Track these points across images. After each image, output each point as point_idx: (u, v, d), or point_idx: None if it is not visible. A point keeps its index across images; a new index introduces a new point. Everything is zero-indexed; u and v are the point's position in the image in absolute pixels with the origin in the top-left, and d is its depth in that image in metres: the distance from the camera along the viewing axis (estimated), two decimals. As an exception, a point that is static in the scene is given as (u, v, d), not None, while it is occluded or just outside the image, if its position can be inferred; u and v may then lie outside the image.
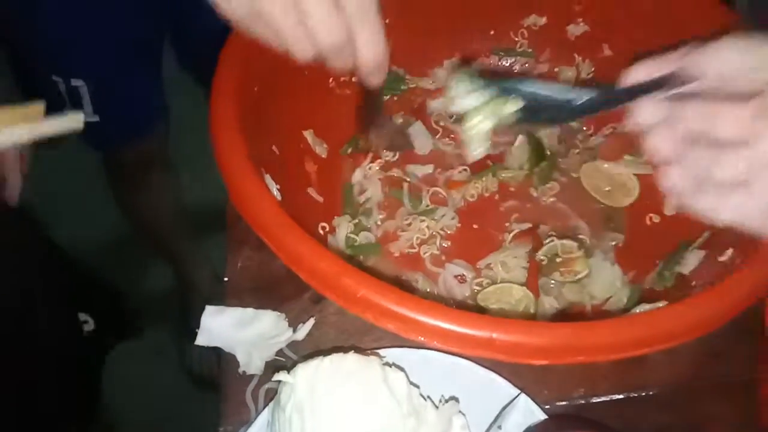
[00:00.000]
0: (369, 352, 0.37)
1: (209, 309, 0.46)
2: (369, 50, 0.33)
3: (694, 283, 0.42)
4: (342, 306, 0.33)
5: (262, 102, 0.46)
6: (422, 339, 0.32)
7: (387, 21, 0.34)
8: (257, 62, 0.45)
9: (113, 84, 0.76)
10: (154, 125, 0.90)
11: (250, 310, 0.46)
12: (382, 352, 0.37)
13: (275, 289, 0.49)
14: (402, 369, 0.36)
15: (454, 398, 0.37)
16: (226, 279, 0.50)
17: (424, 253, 0.50)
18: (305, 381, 0.34)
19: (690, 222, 0.47)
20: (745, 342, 0.44)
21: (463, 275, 0.48)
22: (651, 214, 0.51)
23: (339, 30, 0.32)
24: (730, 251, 0.39)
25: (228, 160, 0.38)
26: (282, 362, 0.44)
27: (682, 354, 0.47)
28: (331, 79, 0.54)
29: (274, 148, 0.48)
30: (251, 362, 0.44)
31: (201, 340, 0.44)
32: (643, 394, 0.45)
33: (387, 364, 0.36)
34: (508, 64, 0.59)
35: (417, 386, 0.37)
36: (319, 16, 0.31)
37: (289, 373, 0.35)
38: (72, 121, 0.33)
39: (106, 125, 0.79)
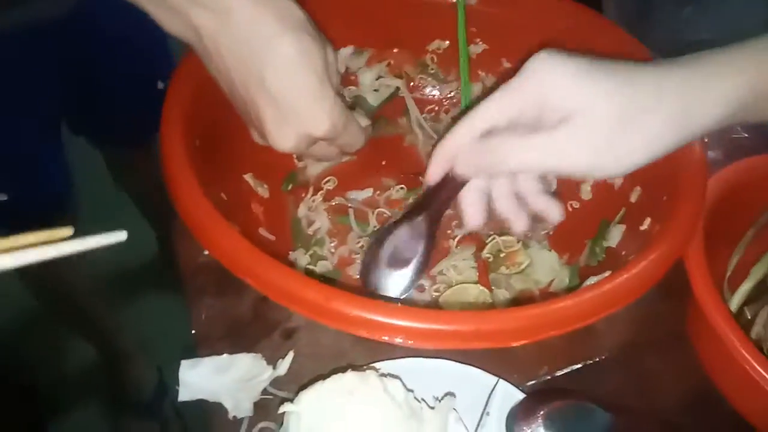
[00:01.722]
0: (364, 367, 0.39)
1: (185, 363, 0.46)
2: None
3: (623, 252, 0.48)
4: (335, 327, 0.35)
5: (206, 154, 0.47)
6: (411, 343, 0.35)
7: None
8: (197, 117, 0.46)
9: (21, 162, 0.73)
10: (65, 201, 0.86)
11: (225, 357, 0.46)
12: (375, 366, 0.40)
13: (244, 332, 0.50)
14: (397, 377, 0.38)
15: (450, 394, 0.40)
16: (193, 331, 0.50)
17: (382, 271, 0.53)
18: (310, 406, 0.35)
19: (605, 203, 0.54)
20: (672, 301, 0.51)
21: (422, 285, 0.52)
22: (571, 202, 0.57)
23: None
24: (648, 220, 0.46)
25: (198, 216, 0.39)
26: (269, 400, 0.45)
27: (621, 320, 0.53)
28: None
29: (222, 195, 0.49)
30: (240, 406, 0.44)
31: (184, 395, 0.44)
32: (597, 359, 0.50)
33: (382, 375, 0.38)
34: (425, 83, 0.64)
35: (411, 391, 0.39)
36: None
37: (292, 402, 0.36)
38: (114, 237, 0.33)
39: (15, 206, 0.75)
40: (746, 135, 0.54)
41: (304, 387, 0.37)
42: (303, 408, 0.35)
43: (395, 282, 0.44)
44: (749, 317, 0.47)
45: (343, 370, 0.37)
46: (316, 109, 0.41)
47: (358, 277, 0.53)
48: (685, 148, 0.46)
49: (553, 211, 0.43)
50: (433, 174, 0.43)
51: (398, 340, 0.34)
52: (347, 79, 0.61)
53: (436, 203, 0.44)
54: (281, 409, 0.36)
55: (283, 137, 0.42)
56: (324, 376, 0.37)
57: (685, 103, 0.35)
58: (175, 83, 0.46)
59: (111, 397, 1.19)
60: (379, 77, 0.62)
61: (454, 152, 0.41)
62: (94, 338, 1.17)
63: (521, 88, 0.38)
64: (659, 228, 0.43)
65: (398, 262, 0.44)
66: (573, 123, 0.35)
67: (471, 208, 0.44)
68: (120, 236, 0.36)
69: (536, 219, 0.44)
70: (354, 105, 0.60)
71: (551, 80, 0.36)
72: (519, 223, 0.44)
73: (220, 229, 0.38)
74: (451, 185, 0.43)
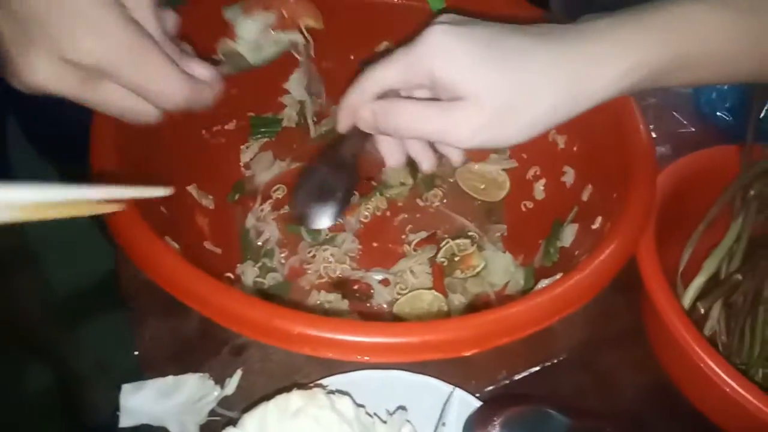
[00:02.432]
0: (311, 385, 0.37)
1: (126, 387, 0.43)
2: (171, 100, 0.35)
3: (576, 252, 0.48)
4: (279, 346, 0.33)
5: (141, 166, 0.45)
6: (359, 358, 0.33)
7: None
8: (131, 126, 0.44)
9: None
10: None
11: (170, 378, 0.44)
12: (323, 381, 0.38)
13: (192, 352, 0.48)
14: (346, 393, 0.37)
15: (402, 407, 0.39)
16: (136, 353, 0.48)
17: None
18: (255, 429, 0.34)
19: (558, 202, 0.54)
20: (627, 295, 0.50)
21: (387, 279, 0.51)
22: (525, 202, 0.56)
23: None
24: (599, 219, 0.45)
25: (128, 232, 0.37)
26: (217, 422, 0.43)
27: (578, 319, 0.52)
28: (203, 131, 0.54)
29: (162, 209, 0.47)
30: (185, 429, 0.42)
31: (125, 421, 0.42)
32: (555, 361, 0.49)
33: (330, 392, 0.36)
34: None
35: (362, 406, 0.38)
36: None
37: (235, 426, 0.34)
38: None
39: None
40: (693, 129, 0.54)
41: (248, 408, 0.35)
42: (246, 431, 0.33)
43: (325, 213, 0.45)
44: (702, 312, 0.47)
45: (289, 389, 0.36)
46: (73, 16, 0.29)
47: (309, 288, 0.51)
48: (635, 145, 0.45)
49: (453, 154, 0.43)
50: (342, 126, 0.43)
51: (344, 356, 0.33)
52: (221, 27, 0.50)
53: (352, 142, 0.44)
54: (224, 435, 0.34)
55: (29, 65, 0.29)
56: (269, 397, 0.35)
57: (573, 80, 0.35)
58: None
59: (68, 420, 1.15)
60: (267, 29, 0.51)
61: (355, 108, 0.41)
62: (50, 361, 1.13)
63: (414, 62, 0.37)
64: (610, 226, 0.42)
65: (325, 195, 0.45)
66: (462, 106, 0.36)
67: (386, 148, 0.44)
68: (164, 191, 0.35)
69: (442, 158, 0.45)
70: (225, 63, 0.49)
71: (443, 63, 0.36)
72: (425, 163, 0.44)
73: (153, 247, 0.36)
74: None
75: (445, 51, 0.36)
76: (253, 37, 0.49)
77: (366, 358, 0.32)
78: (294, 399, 0.35)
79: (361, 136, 0.44)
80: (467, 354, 0.34)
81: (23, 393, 1.22)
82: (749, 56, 0.36)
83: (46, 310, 1.03)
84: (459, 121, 0.36)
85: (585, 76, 0.35)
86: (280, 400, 0.35)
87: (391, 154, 0.44)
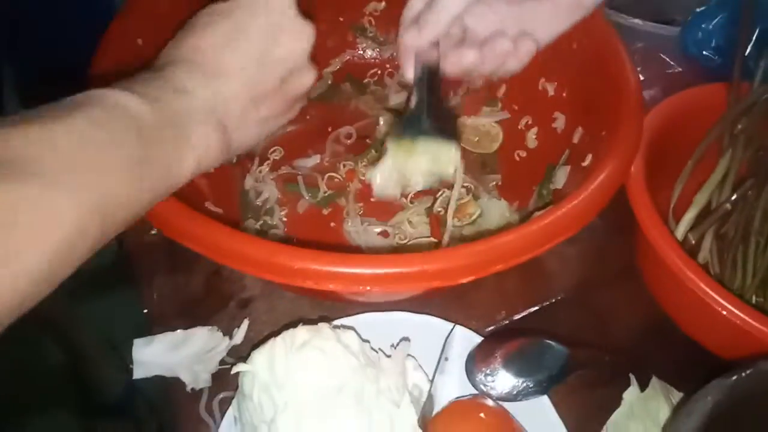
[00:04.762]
0: (317, 322, 0.38)
1: (138, 342, 0.45)
2: None
3: (569, 192, 0.48)
4: (281, 281, 0.35)
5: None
6: (363, 288, 0.34)
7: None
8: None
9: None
10: None
11: (179, 332, 0.46)
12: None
13: (199, 306, 0.49)
14: (351, 328, 0.38)
15: (405, 339, 0.40)
16: (145, 311, 0.49)
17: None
18: (264, 363, 0.35)
19: (550, 148, 0.55)
20: (621, 237, 0.52)
21: (386, 231, 0.52)
22: (518, 151, 0.57)
23: None
24: (590, 156, 0.46)
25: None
26: (228, 370, 0.45)
27: (574, 260, 0.54)
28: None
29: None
30: (198, 378, 0.44)
31: (138, 373, 0.44)
32: (553, 300, 0.51)
33: (336, 327, 0.38)
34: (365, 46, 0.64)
35: (367, 341, 0.39)
36: None
37: (246, 362, 0.36)
38: None
39: None
40: (680, 69, 0.55)
41: (256, 347, 0.36)
42: (256, 366, 0.35)
43: None
44: (693, 242, 0.48)
45: (295, 325, 0.37)
46: None
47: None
48: (622, 82, 0.46)
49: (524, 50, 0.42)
50: (409, 71, 0.43)
51: (345, 287, 0.34)
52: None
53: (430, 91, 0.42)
54: (234, 370, 0.36)
55: None
56: (276, 334, 0.37)
57: None
58: (98, 60, 0.44)
59: (81, 400, 1.16)
60: None
61: (422, 48, 0.42)
62: (61, 338, 1.14)
63: None
64: (598, 160, 0.43)
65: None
66: None
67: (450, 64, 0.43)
68: None
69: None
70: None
71: None
72: (488, 65, 0.43)
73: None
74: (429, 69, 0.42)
75: None
76: None
77: (367, 288, 0.34)
78: (300, 333, 0.36)
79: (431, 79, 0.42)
80: (464, 281, 0.35)
81: (37, 370, 1.23)
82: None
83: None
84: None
85: None
86: (287, 335, 0.36)
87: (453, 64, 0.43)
